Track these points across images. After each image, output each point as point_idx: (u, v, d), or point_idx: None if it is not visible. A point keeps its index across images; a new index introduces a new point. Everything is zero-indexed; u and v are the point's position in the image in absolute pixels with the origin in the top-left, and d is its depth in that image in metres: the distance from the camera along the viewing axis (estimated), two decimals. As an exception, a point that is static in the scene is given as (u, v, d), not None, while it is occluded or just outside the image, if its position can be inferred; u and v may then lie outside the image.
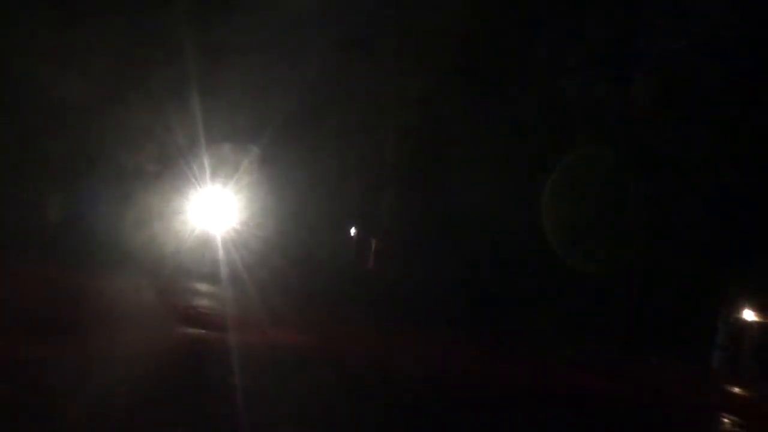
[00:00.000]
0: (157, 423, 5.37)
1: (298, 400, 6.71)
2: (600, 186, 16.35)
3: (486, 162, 17.09)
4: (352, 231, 21.41)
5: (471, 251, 17.29)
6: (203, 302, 12.35)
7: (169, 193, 15.92)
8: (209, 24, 15.84)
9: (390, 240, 20.01)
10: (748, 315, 16.24)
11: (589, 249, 15.75)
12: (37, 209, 14.88)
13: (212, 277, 14.26)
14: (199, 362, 7.82)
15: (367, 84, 18.39)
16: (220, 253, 15.42)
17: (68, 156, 15.41)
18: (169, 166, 16.08)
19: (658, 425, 9.63)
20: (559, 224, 16.11)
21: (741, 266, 15.68)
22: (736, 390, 13.85)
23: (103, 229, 14.36)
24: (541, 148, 16.72)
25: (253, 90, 16.40)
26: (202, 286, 13.89)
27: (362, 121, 18.72)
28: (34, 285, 10.52)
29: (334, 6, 17.14)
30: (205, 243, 15.68)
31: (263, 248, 16.39)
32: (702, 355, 16.35)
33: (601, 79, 17.36)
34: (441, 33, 17.35)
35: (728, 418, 10.55)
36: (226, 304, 12.25)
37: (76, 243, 13.93)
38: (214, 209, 16.86)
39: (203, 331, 9.50)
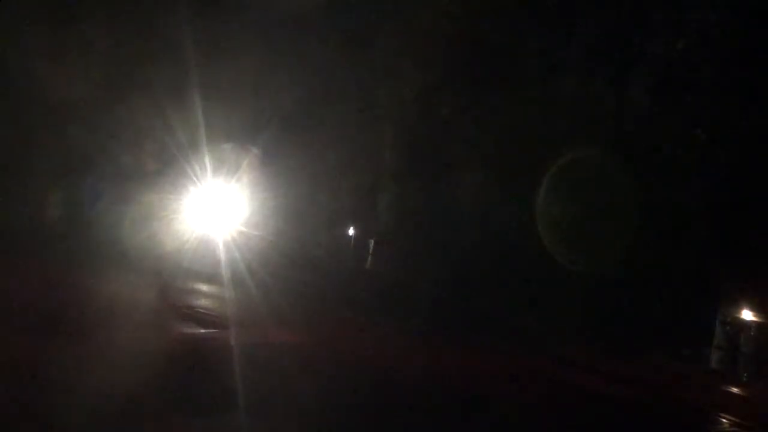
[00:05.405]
0: (156, 423, 5.38)
1: (298, 399, 6.72)
2: (597, 185, 16.35)
3: (484, 162, 17.10)
4: (351, 231, 21.42)
5: (469, 251, 17.29)
6: (202, 302, 12.35)
7: (168, 192, 15.90)
8: (208, 23, 15.83)
9: (388, 240, 20.02)
10: (747, 315, 16.25)
11: (587, 249, 15.77)
12: (37, 208, 14.88)
13: (211, 277, 14.25)
14: (199, 362, 7.83)
15: (366, 83, 18.40)
16: (219, 253, 15.40)
17: (68, 155, 15.40)
18: (168, 165, 16.07)
19: (656, 425, 9.65)
20: (557, 224, 16.12)
21: (739, 266, 15.71)
22: (735, 390, 13.88)
23: (102, 229, 14.35)
24: (539, 148, 16.72)
25: (252, 89, 16.41)
26: (202, 286, 13.89)
27: (361, 121, 18.72)
28: (33, 284, 10.51)
29: (332, 5, 17.18)
30: (204, 242, 15.66)
31: (262, 248, 16.38)
32: (700, 356, 16.38)
33: (598, 78, 17.38)
34: (439, 32, 17.36)
35: (726, 419, 10.56)
36: (224, 304, 12.24)
37: (76, 242, 13.92)
38: (213, 209, 16.85)
39: (203, 331, 9.50)
